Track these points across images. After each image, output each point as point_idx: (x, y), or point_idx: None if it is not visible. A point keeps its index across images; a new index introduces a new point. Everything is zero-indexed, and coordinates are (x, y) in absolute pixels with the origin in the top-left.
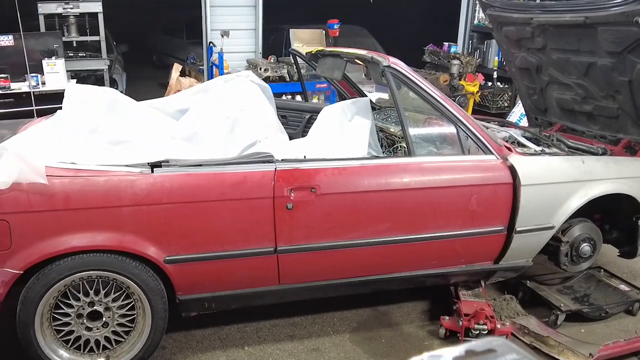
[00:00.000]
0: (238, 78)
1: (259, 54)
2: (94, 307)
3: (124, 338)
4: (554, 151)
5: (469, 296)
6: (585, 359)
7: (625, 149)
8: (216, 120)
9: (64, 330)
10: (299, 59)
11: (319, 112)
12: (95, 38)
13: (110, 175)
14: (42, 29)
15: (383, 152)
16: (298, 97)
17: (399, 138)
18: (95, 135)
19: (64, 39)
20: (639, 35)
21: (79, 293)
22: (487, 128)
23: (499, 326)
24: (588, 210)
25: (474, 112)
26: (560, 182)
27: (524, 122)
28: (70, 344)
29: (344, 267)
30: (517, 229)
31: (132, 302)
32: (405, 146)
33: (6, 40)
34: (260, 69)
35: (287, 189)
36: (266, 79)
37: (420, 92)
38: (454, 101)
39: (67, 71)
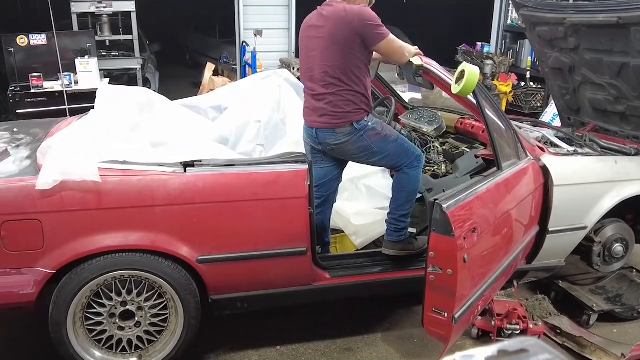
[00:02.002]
0: (275, 76)
1: (292, 54)
2: (127, 307)
3: (157, 337)
4: (587, 151)
5: (502, 296)
6: (618, 359)
7: None
8: (248, 125)
9: (96, 329)
10: None
11: None
12: (129, 37)
13: (143, 175)
14: (75, 28)
15: None
16: None
17: (431, 138)
18: (131, 135)
19: (97, 38)
20: None
21: (112, 292)
22: (520, 128)
23: (531, 326)
24: (620, 211)
25: (507, 112)
26: (592, 182)
27: (557, 122)
28: (102, 343)
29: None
30: (550, 229)
31: (164, 301)
32: (438, 147)
33: (39, 39)
34: (294, 69)
35: None
36: (299, 79)
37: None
38: None
39: (100, 70)
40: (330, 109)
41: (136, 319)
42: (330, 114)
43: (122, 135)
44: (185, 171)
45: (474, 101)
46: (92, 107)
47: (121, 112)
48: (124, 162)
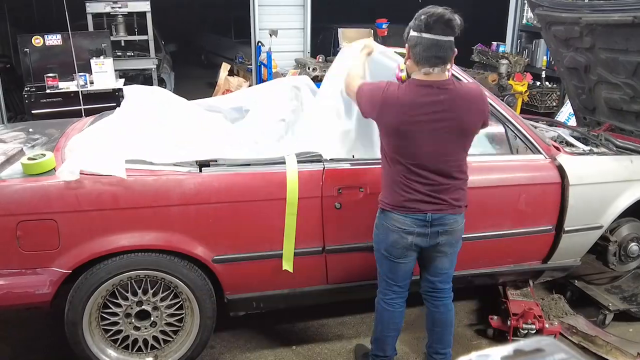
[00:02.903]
0: (296, 80)
1: (307, 54)
2: (142, 307)
3: (172, 337)
4: (603, 151)
5: (517, 296)
6: (634, 358)
7: None
8: (271, 124)
9: (112, 329)
10: None
11: None
12: (144, 37)
13: (158, 175)
14: (91, 28)
15: None
16: None
17: None
18: (154, 134)
19: (112, 38)
20: None
21: (127, 292)
22: (536, 128)
23: (547, 326)
24: (636, 210)
25: (523, 111)
26: (608, 181)
27: (572, 122)
28: (118, 343)
29: None
30: (566, 229)
31: (180, 301)
32: None
33: (54, 40)
34: (309, 69)
35: (335, 189)
36: (314, 79)
37: None
38: (502, 101)
39: (116, 70)
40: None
41: (152, 318)
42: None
43: (145, 134)
44: (200, 171)
45: None
46: (107, 108)
47: (144, 111)
48: (139, 162)
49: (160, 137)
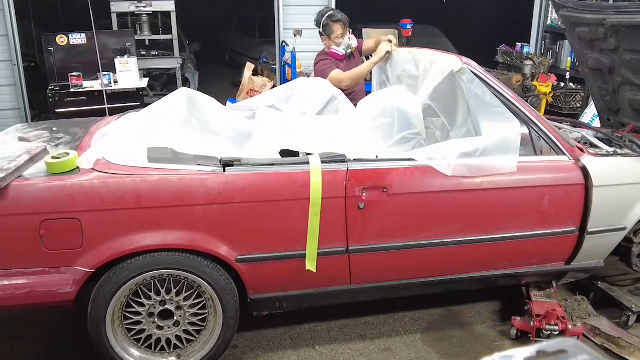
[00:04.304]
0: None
1: None
2: (165, 306)
3: (195, 337)
4: (627, 152)
5: (541, 297)
6: None
7: None
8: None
9: (135, 329)
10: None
11: None
12: (168, 37)
13: (182, 174)
14: (115, 27)
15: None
16: None
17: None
18: (178, 128)
19: (136, 37)
20: None
21: (151, 292)
22: (560, 129)
23: (570, 327)
24: None
25: (547, 112)
26: (632, 183)
27: (597, 123)
28: (141, 342)
29: (416, 268)
30: (589, 230)
31: (203, 301)
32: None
33: (79, 39)
34: None
35: (359, 189)
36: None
37: (493, 92)
38: (527, 102)
39: (140, 70)
40: None
41: (175, 318)
42: None
43: (170, 128)
44: (224, 170)
45: None
46: (132, 107)
47: (173, 109)
48: (163, 161)
49: (186, 131)
